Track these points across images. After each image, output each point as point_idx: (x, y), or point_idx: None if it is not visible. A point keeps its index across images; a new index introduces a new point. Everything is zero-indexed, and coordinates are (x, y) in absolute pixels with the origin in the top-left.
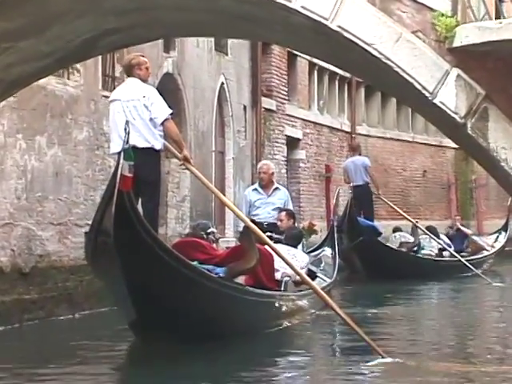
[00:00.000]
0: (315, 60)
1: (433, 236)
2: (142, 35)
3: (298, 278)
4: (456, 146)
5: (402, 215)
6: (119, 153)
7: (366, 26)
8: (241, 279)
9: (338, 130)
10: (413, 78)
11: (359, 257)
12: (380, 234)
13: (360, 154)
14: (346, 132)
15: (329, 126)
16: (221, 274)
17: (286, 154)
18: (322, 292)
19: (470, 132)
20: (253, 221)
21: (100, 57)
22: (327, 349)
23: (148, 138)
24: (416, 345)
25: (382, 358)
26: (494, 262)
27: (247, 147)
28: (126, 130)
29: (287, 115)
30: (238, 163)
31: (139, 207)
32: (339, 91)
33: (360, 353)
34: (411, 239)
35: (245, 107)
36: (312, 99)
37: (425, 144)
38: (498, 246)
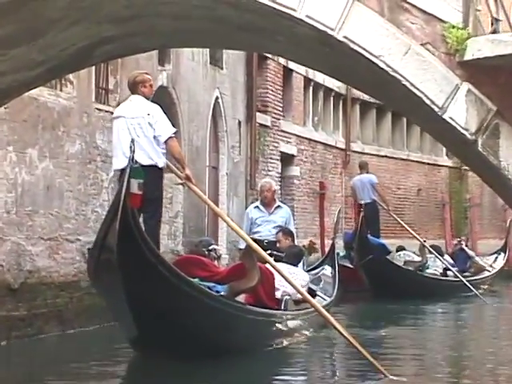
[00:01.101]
0: (311, 76)
1: (439, 256)
2: (138, 45)
3: (298, 296)
4: (451, 165)
5: (410, 234)
6: (122, 170)
7: (374, 37)
8: (241, 297)
9: (332, 146)
10: (421, 92)
11: (367, 275)
12: (389, 252)
13: (367, 172)
14: (341, 149)
15: (323, 143)
16: (222, 292)
17: (280, 171)
18: (324, 310)
19: (480, 149)
20: (254, 239)
21: (93, 69)
22: (327, 368)
23: (152, 155)
24: (419, 365)
25: (385, 376)
26: (494, 281)
27: (241, 163)
28: (131, 148)
29: (282, 131)
30: (232, 179)
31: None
32: (334, 108)
33: (361, 372)
34: (415, 258)
35: (239, 122)
36: (307, 115)
37: (419, 162)
38: (497, 266)
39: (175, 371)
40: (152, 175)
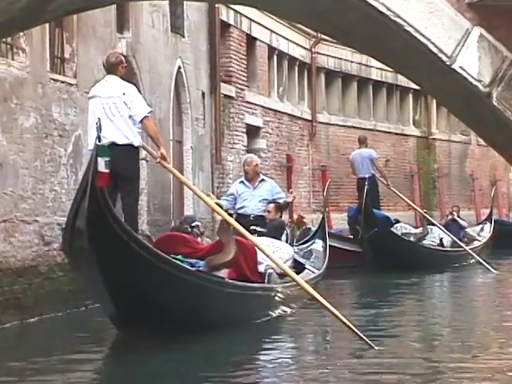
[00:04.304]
0: (274, 44)
1: (442, 228)
2: None
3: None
4: (418, 134)
5: (409, 206)
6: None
7: None
8: (224, 272)
9: (298, 118)
10: (427, 39)
11: (372, 247)
12: (393, 224)
13: (366, 146)
14: (307, 120)
15: (289, 114)
16: (200, 268)
17: (246, 144)
18: (305, 284)
19: (495, 103)
20: (240, 214)
21: (47, 36)
22: (313, 341)
23: (127, 134)
24: (408, 337)
25: (371, 347)
26: (481, 251)
27: (206, 136)
28: (97, 127)
29: (247, 102)
30: (197, 153)
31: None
32: (299, 77)
33: (347, 344)
34: (412, 230)
35: (203, 93)
36: (272, 86)
37: (386, 132)
38: (485, 235)
39: (154, 347)
40: (128, 154)
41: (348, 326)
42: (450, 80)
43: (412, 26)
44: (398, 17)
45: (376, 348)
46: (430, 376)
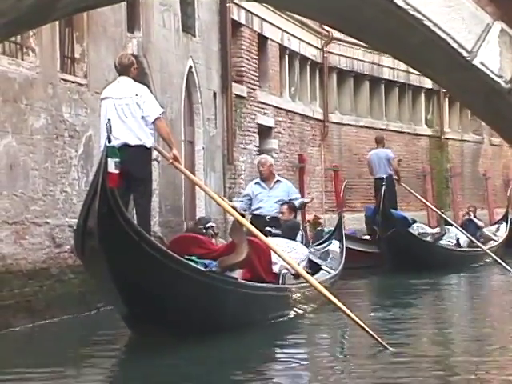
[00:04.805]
0: (286, 44)
1: (460, 228)
2: None
3: None
4: (431, 134)
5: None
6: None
7: None
8: (238, 273)
9: (310, 117)
10: (447, 34)
11: (389, 248)
12: (410, 224)
13: (383, 147)
14: (319, 120)
15: (301, 114)
16: (213, 268)
17: (258, 144)
18: (318, 284)
19: None
20: (256, 215)
21: (57, 36)
22: (327, 341)
23: (139, 135)
24: (426, 338)
25: (385, 349)
26: (498, 251)
27: (218, 136)
28: (107, 128)
29: (258, 102)
30: (209, 154)
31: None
32: (311, 77)
33: (362, 345)
34: (428, 230)
35: (215, 93)
36: (283, 85)
37: (399, 132)
38: (501, 235)
39: (169, 347)
40: (140, 155)
41: (362, 327)
42: (469, 76)
43: (431, 21)
44: (417, 11)
45: (391, 349)
46: (445, 378)
